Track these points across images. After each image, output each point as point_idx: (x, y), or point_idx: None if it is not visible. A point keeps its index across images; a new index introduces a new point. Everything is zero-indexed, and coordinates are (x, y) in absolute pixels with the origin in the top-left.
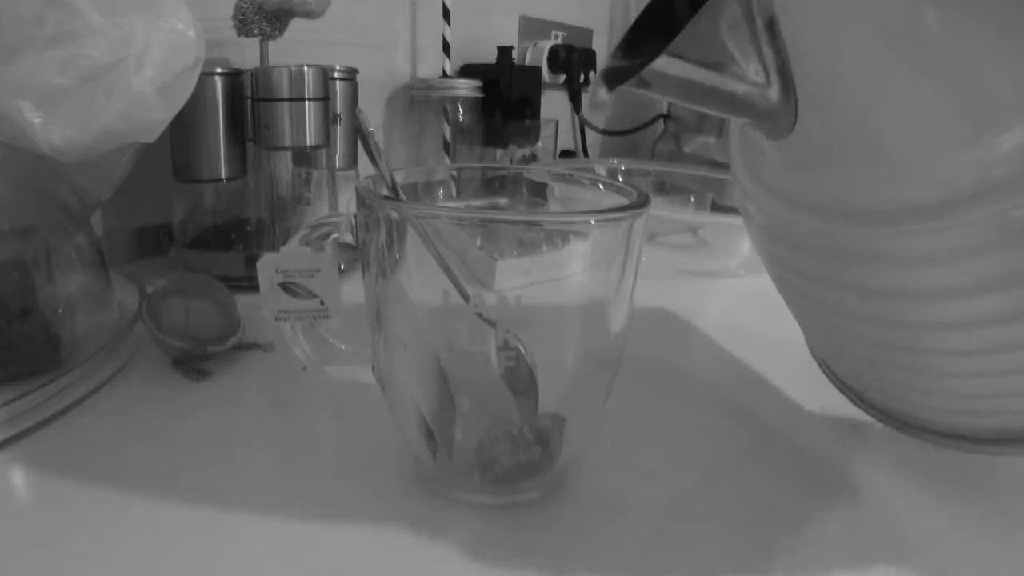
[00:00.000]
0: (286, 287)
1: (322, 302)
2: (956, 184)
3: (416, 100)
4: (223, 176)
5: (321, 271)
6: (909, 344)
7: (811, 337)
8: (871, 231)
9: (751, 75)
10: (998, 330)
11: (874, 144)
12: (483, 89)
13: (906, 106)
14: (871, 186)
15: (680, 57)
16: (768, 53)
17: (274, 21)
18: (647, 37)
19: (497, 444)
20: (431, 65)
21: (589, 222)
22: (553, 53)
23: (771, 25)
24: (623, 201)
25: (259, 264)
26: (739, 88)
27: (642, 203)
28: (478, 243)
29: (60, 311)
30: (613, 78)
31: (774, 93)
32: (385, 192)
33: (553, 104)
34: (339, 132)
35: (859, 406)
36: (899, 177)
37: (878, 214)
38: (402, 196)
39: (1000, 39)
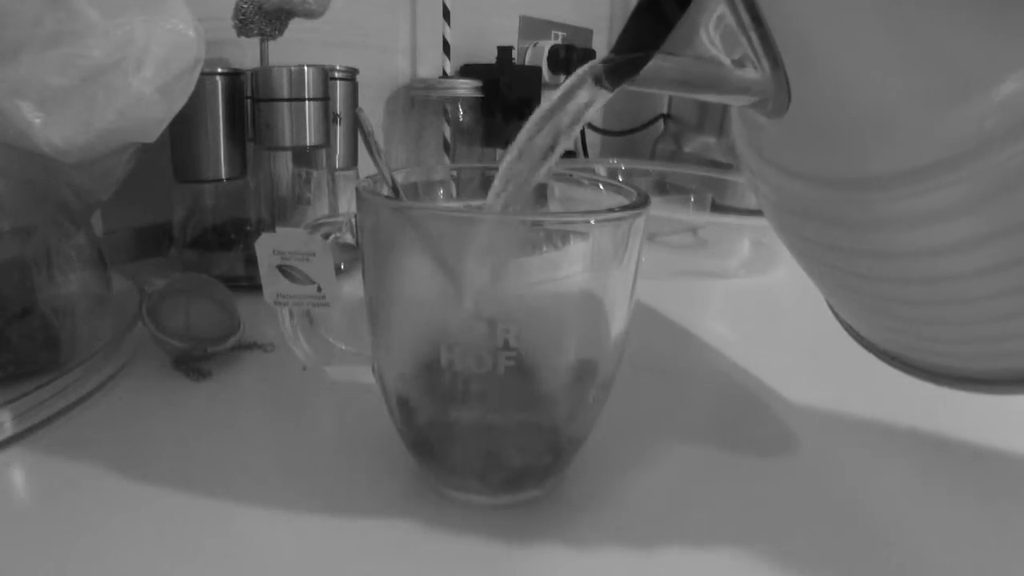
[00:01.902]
0: (284, 271)
1: (319, 289)
2: (951, 142)
3: (416, 100)
4: (223, 176)
5: (316, 255)
6: (927, 297)
7: (833, 301)
8: (876, 195)
9: (742, 62)
10: (1014, 273)
11: (867, 111)
12: (483, 89)
13: (892, 70)
14: (871, 152)
15: (673, 55)
16: (754, 38)
17: (274, 21)
18: (640, 36)
19: (503, 447)
20: (431, 65)
21: (589, 222)
22: (553, 53)
23: (754, 11)
24: (623, 201)
25: (257, 244)
26: (731, 76)
27: (642, 203)
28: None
29: (60, 311)
30: (614, 75)
31: (765, 75)
32: (385, 192)
33: None
34: (339, 132)
35: (889, 363)
36: (896, 141)
37: (881, 178)
38: (402, 196)
39: None
